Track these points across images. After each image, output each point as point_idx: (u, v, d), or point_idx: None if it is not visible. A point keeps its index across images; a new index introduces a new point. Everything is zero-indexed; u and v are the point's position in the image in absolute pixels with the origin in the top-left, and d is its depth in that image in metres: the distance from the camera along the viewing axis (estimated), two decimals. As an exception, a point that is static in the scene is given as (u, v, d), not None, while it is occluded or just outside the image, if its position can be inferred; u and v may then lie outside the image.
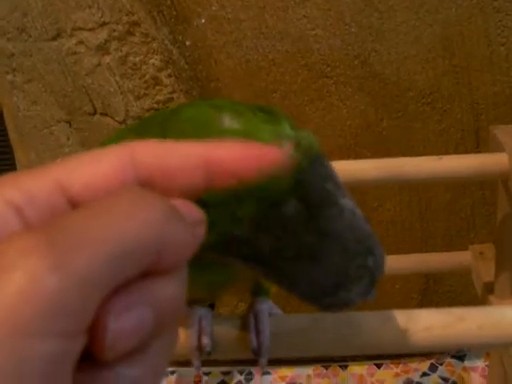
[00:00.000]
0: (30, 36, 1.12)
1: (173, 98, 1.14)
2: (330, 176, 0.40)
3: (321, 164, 0.40)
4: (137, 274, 0.24)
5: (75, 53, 1.12)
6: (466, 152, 1.12)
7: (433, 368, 1.24)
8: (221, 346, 0.52)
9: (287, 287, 0.41)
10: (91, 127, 1.17)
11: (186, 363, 1.29)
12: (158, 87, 1.13)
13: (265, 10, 1.06)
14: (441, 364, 1.25)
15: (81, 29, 1.10)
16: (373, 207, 1.19)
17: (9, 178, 0.25)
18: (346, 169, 0.75)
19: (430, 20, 1.05)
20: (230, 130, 0.41)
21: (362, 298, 0.42)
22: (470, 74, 1.08)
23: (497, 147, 0.81)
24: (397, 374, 1.25)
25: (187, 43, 1.10)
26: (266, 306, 0.53)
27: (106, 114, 1.16)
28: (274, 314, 0.53)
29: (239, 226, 0.37)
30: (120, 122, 1.15)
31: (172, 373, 1.33)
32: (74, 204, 0.26)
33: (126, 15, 1.08)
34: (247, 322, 0.52)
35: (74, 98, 1.15)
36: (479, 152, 1.11)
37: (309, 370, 1.29)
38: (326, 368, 1.29)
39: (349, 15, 1.05)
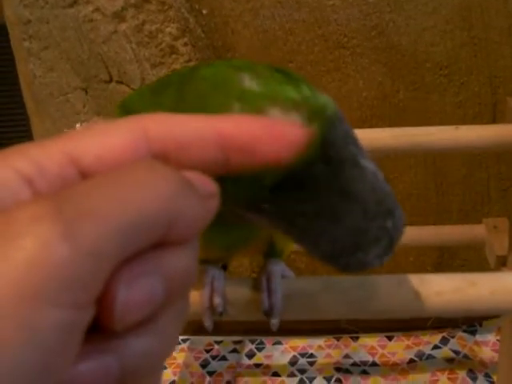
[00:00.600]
0: (47, 3, 1.12)
1: (189, 67, 1.14)
2: (351, 138, 0.40)
3: (341, 126, 0.40)
4: (148, 244, 0.24)
5: (91, 20, 1.11)
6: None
7: (444, 341, 1.25)
8: (233, 307, 0.52)
9: (307, 245, 0.42)
10: (107, 95, 1.17)
11: (198, 331, 1.30)
12: (174, 56, 1.13)
13: (282, -22, 1.05)
14: (452, 337, 1.25)
15: (97, -4, 1.10)
16: (389, 179, 1.18)
17: (18, 148, 0.25)
18: (362, 137, 0.75)
19: (449, -10, 1.04)
20: (249, 90, 0.41)
21: (380, 261, 0.42)
22: (488, 46, 1.07)
23: (514, 118, 0.81)
24: (408, 347, 1.25)
25: (204, 12, 1.09)
26: (279, 268, 0.53)
27: (121, 82, 1.16)
28: (287, 276, 0.53)
29: (264, 191, 0.37)
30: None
31: (184, 341, 1.34)
32: (86, 176, 0.25)
33: (143, -18, 1.08)
34: (259, 283, 0.52)
35: (90, 66, 1.15)
36: (496, 125, 1.11)
37: (320, 341, 1.30)
38: (338, 339, 1.29)
39: (367, -15, 1.04)
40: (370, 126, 1.14)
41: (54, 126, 1.21)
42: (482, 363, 1.18)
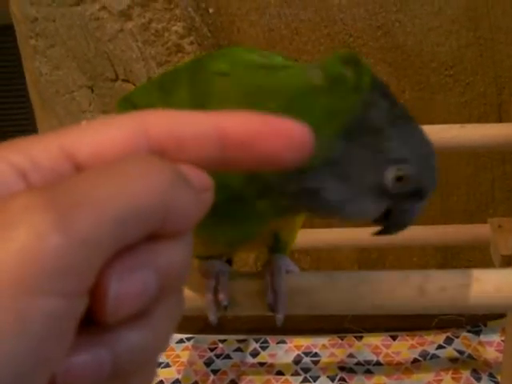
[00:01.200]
0: (54, 1, 1.12)
1: (194, 66, 1.14)
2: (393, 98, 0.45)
3: (382, 86, 0.45)
4: (141, 237, 0.24)
5: (98, 18, 1.12)
6: (488, 125, 1.11)
7: (449, 341, 1.24)
8: (237, 302, 0.52)
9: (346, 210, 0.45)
10: (113, 93, 1.17)
11: (203, 329, 1.30)
12: (180, 54, 1.13)
13: (288, -23, 1.05)
14: (457, 337, 1.25)
15: (104, -6, 1.10)
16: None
17: (13, 142, 0.25)
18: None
19: (455, -10, 1.04)
20: (269, 64, 0.43)
21: (412, 215, 0.47)
22: (494, 46, 1.07)
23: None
24: (412, 346, 1.25)
25: (210, 10, 1.10)
26: (284, 263, 0.53)
27: (127, 81, 1.16)
28: (291, 270, 0.53)
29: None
30: (141, 89, 1.16)
31: (188, 339, 1.35)
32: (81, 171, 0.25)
33: (150, -19, 1.08)
34: (264, 278, 0.52)
35: (96, 64, 1.15)
36: (501, 126, 1.10)
37: (324, 340, 1.30)
38: (342, 339, 1.29)
39: (373, -16, 1.05)
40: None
41: (60, 124, 1.21)
42: (487, 363, 1.18)
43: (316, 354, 1.26)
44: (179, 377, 1.24)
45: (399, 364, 1.21)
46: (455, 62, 1.08)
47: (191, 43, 1.12)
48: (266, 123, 0.28)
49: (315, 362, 1.24)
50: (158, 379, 1.23)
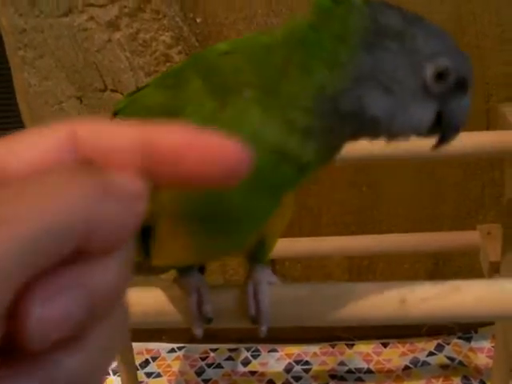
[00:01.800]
0: (42, 12, 1.12)
1: (183, 75, 1.14)
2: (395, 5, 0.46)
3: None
4: (62, 256, 0.22)
5: (86, 29, 1.12)
6: (476, 132, 1.12)
7: (439, 348, 1.25)
8: (221, 315, 0.52)
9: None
10: (102, 103, 1.17)
11: (194, 339, 1.30)
12: (168, 64, 1.13)
13: (275, -13, 1.06)
14: (448, 344, 1.25)
15: (92, 5, 1.10)
16: (383, 187, 1.19)
17: None
18: (356, 146, 0.75)
19: (441, -2, 1.04)
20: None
21: (464, 112, 0.47)
22: (480, 53, 1.07)
23: (506, 126, 0.81)
24: (403, 353, 1.25)
25: (198, 20, 1.10)
26: (265, 275, 0.53)
27: (116, 91, 1.16)
28: (272, 282, 0.53)
29: None
30: (130, 99, 1.16)
31: (180, 348, 1.34)
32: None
33: (137, -9, 1.08)
34: (246, 290, 0.52)
35: (85, 74, 1.15)
36: (490, 132, 1.11)
37: (315, 348, 1.30)
38: (333, 347, 1.29)
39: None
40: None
41: (50, 135, 1.21)
42: (477, 370, 1.18)
43: (307, 363, 1.26)
44: (170, 386, 1.24)
45: (390, 371, 1.21)
46: (442, 70, 1.09)
47: (179, 53, 1.13)
48: (196, 137, 0.25)
49: (306, 371, 1.24)
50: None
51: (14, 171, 0.24)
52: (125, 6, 1.09)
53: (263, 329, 0.52)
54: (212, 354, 1.32)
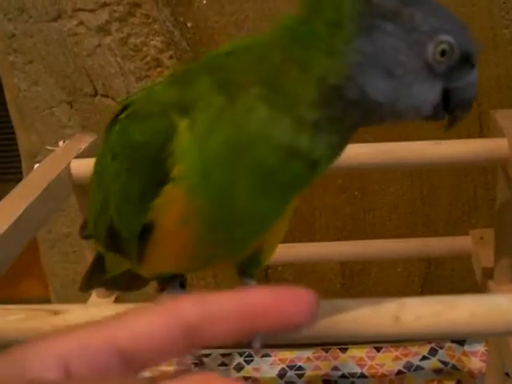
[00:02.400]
0: (31, 17, 1.11)
1: (174, 80, 1.13)
2: None
3: None
4: None
5: (76, 34, 1.11)
6: (469, 137, 1.11)
7: (433, 352, 1.24)
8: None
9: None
10: (92, 108, 1.17)
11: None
12: (159, 69, 1.13)
13: (266, -9, 1.05)
14: (441, 348, 1.25)
15: (81, 10, 1.09)
16: (375, 191, 1.19)
17: (63, 332, 0.28)
18: (347, 153, 0.75)
19: (433, 2, 1.04)
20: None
21: (472, 87, 0.46)
22: (473, 57, 1.06)
23: (497, 132, 0.81)
24: (396, 358, 1.25)
25: (189, 25, 1.09)
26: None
27: (106, 96, 1.15)
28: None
29: None
30: (121, 104, 1.15)
31: (173, 354, 1.34)
32: (123, 356, 0.27)
33: (127, -4, 1.08)
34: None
35: (75, 79, 1.15)
36: (482, 137, 1.10)
37: (309, 353, 1.29)
38: (326, 351, 1.29)
39: None
40: (356, 137, 1.13)
41: (40, 140, 1.20)
42: (471, 374, 1.18)
43: (300, 368, 1.26)
44: (163, 392, 1.23)
45: (383, 376, 1.21)
46: (435, 74, 1.08)
47: (170, 57, 1.12)
48: (281, 293, 0.31)
49: (300, 376, 1.24)
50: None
51: (124, 346, 0.28)
52: (115, 11, 1.09)
53: (256, 345, 0.51)
54: (205, 359, 1.32)
